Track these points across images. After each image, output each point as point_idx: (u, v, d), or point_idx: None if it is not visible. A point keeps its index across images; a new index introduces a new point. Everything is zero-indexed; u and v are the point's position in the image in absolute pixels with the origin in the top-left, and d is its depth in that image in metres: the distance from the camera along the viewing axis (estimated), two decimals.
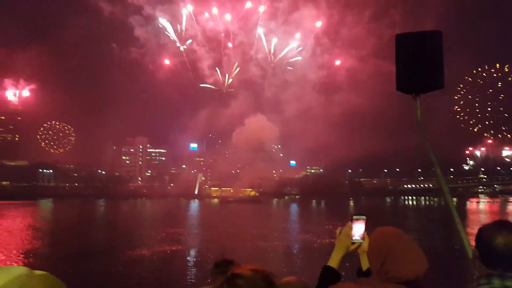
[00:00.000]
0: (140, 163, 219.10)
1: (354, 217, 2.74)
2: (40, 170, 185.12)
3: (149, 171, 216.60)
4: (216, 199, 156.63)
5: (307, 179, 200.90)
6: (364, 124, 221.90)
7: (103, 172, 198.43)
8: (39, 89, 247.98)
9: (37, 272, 1.28)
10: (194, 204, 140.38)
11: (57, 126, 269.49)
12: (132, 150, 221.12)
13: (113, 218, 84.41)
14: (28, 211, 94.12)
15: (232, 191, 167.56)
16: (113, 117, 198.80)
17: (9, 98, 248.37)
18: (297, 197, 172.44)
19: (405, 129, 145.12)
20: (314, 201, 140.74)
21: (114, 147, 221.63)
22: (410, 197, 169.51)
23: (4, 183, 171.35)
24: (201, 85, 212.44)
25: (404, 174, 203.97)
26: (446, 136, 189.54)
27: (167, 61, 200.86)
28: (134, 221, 76.55)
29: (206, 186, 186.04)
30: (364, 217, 2.75)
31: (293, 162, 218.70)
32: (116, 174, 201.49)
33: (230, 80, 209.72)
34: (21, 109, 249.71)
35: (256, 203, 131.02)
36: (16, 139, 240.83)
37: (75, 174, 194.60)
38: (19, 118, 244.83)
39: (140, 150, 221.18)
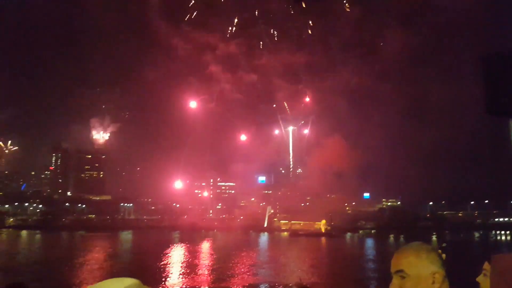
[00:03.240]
0: (211, 196, 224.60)
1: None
2: (122, 204, 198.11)
3: (219, 204, 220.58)
4: (286, 232, 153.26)
5: (383, 212, 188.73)
6: (447, 153, 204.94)
7: (178, 205, 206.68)
8: (120, 128, 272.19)
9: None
10: (264, 237, 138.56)
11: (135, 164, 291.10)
12: (203, 184, 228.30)
13: (189, 249, 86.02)
14: (111, 242, 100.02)
15: (302, 224, 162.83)
16: (186, 152, 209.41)
17: (95, 138, 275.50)
18: (372, 231, 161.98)
19: (495, 157, 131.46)
20: (391, 236, 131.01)
21: (187, 181, 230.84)
22: (502, 232, 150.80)
23: (90, 216, 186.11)
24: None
25: (494, 207, 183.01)
26: None
27: None
28: (210, 253, 77.16)
29: (276, 219, 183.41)
30: None
31: (367, 195, 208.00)
32: (189, 207, 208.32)
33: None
34: (104, 148, 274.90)
35: (327, 237, 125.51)
36: (101, 176, 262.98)
37: (152, 208, 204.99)
38: (103, 156, 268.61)
39: (211, 183, 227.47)
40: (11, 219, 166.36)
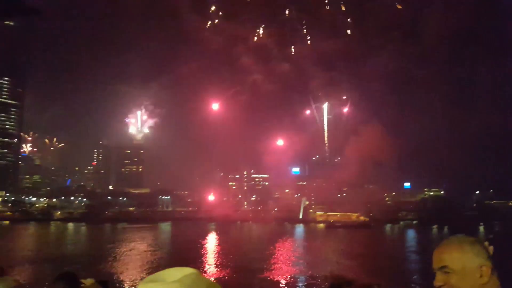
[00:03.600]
0: (245, 188, 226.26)
1: None
2: (160, 197, 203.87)
3: (254, 196, 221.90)
4: (322, 224, 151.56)
5: (425, 202, 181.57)
6: (494, 139, 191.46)
7: (213, 197, 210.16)
8: (157, 123, 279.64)
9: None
10: (299, 229, 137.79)
11: (171, 157, 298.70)
12: (237, 176, 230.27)
13: (226, 240, 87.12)
14: (151, 233, 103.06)
15: (338, 215, 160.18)
16: (220, 145, 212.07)
17: (133, 134, 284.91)
18: (414, 222, 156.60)
19: None
20: (435, 227, 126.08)
21: (221, 174, 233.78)
22: None
23: (130, 209, 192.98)
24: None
25: None
26: None
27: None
28: (246, 244, 77.56)
29: (311, 211, 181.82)
30: None
31: (407, 184, 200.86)
32: (224, 199, 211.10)
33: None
34: (143, 143, 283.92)
35: (366, 228, 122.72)
36: (140, 170, 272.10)
37: (189, 200, 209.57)
38: (142, 151, 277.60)
39: (245, 175, 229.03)
40: (58, 213, 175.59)
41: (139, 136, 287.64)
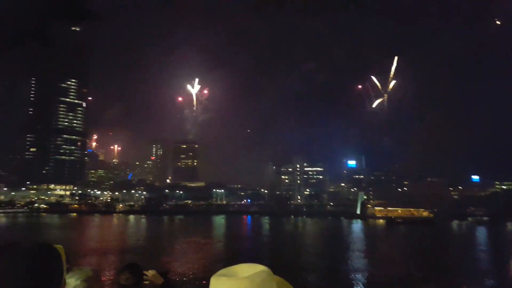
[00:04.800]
0: (298, 182, 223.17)
1: None
2: (214, 190, 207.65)
3: (308, 190, 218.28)
4: (381, 220, 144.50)
5: (497, 196, 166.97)
6: None
7: (266, 191, 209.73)
8: (211, 118, 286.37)
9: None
10: (357, 225, 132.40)
11: (225, 151, 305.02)
12: (290, 169, 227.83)
13: (281, 234, 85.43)
14: (207, 226, 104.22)
15: (400, 211, 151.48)
16: (273, 139, 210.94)
17: (188, 129, 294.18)
18: (484, 218, 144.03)
19: None
20: (509, 224, 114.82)
21: (274, 167, 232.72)
22: None
23: (187, 201, 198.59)
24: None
25: None
26: None
27: None
28: (303, 239, 75.28)
29: (369, 206, 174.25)
30: None
31: (476, 177, 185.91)
32: (277, 192, 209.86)
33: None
34: (197, 138, 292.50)
35: (430, 225, 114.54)
36: (195, 163, 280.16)
37: (242, 193, 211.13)
38: (196, 146, 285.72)
39: (298, 169, 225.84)
40: (121, 205, 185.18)
41: (194, 131, 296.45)
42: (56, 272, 1.38)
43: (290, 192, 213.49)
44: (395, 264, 44.21)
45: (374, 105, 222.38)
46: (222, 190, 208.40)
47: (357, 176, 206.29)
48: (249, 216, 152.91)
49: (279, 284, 1.46)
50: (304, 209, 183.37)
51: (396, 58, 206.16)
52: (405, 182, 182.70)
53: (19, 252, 1.34)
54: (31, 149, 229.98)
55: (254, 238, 74.53)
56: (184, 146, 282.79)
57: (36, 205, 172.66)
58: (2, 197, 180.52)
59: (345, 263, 44.66)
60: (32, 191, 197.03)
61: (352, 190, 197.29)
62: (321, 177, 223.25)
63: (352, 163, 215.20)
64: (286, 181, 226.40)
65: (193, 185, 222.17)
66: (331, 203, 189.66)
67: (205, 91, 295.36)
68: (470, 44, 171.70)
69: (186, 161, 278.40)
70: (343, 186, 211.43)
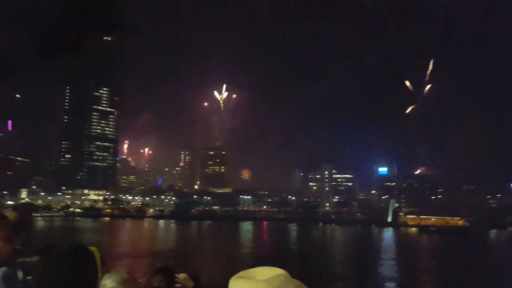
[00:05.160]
0: (327, 188, 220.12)
1: None
2: (241, 196, 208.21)
3: (336, 197, 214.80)
4: (414, 228, 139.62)
5: None
6: None
7: (293, 198, 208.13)
8: (238, 125, 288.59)
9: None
10: (388, 233, 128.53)
11: (252, 158, 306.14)
12: (318, 176, 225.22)
13: (309, 241, 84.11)
14: (234, 232, 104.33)
15: (433, 219, 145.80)
16: (300, 145, 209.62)
17: (216, 136, 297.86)
18: None
19: None
20: None
21: (301, 174, 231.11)
22: None
23: (215, 207, 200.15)
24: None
25: None
26: None
27: None
28: (331, 247, 73.87)
29: (401, 214, 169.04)
30: None
31: None
32: (305, 199, 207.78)
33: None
34: (224, 144, 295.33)
35: (464, 234, 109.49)
36: (222, 170, 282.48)
37: (269, 200, 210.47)
38: (223, 153, 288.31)
39: (326, 176, 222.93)
40: (151, 210, 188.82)
41: (221, 137, 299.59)
42: (91, 273, 1.48)
43: (318, 199, 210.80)
44: (428, 274, 42.50)
45: (407, 111, 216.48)
46: (249, 197, 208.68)
47: (388, 183, 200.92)
48: (268, 222, 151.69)
49: (297, 287, 1.45)
50: (333, 217, 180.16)
51: (431, 61, 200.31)
52: (439, 190, 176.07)
53: (56, 254, 1.47)
54: (66, 156, 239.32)
55: (281, 245, 73.75)
56: (212, 152, 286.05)
57: (71, 209, 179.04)
58: (40, 201, 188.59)
59: (375, 272, 43.32)
60: (67, 196, 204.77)
61: (383, 197, 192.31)
62: (350, 184, 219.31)
63: (383, 169, 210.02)
64: (314, 188, 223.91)
65: (220, 191, 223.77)
66: (361, 211, 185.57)
67: (233, 96, 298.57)
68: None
69: (214, 167, 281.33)
70: (373, 193, 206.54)
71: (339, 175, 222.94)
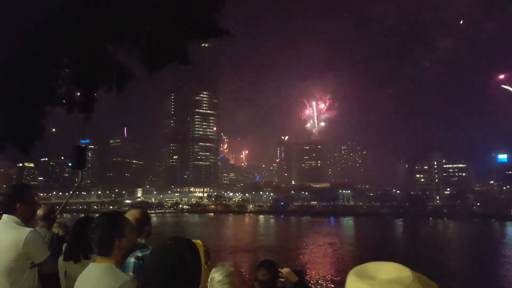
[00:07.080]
0: (436, 180, 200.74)
1: None
2: (340, 191, 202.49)
3: (448, 189, 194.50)
4: None
5: None
6: None
7: (398, 191, 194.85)
8: (333, 117, 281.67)
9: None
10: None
11: (349, 151, 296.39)
12: (426, 167, 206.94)
13: (419, 238, 77.41)
14: (335, 227, 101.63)
15: None
16: (403, 134, 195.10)
17: (310, 129, 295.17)
18: None
19: None
20: None
21: (406, 166, 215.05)
22: None
23: (313, 202, 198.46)
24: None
25: None
26: None
27: None
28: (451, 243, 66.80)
29: None
30: None
31: None
32: (412, 193, 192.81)
33: None
34: (320, 138, 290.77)
35: None
36: (319, 164, 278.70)
37: (371, 194, 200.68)
38: (319, 147, 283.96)
39: (435, 166, 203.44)
40: (251, 206, 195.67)
41: (316, 132, 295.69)
42: (195, 265, 1.55)
43: (427, 192, 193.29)
44: None
45: None
46: (349, 191, 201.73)
47: (510, 172, 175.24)
48: (331, 218, 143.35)
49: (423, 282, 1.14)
50: (445, 211, 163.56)
51: None
52: None
53: (162, 247, 1.58)
54: (174, 157, 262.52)
55: (387, 240, 69.16)
56: (307, 147, 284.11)
57: (180, 206, 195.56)
58: (153, 199, 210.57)
59: (496, 270, 37.69)
60: (176, 194, 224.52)
61: (504, 188, 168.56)
62: (464, 174, 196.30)
63: (503, 157, 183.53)
64: (422, 180, 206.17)
65: (317, 186, 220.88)
66: (478, 204, 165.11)
67: (328, 92, 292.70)
68: None
69: (310, 162, 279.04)
70: (492, 184, 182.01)
71: (450, 165, 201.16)
